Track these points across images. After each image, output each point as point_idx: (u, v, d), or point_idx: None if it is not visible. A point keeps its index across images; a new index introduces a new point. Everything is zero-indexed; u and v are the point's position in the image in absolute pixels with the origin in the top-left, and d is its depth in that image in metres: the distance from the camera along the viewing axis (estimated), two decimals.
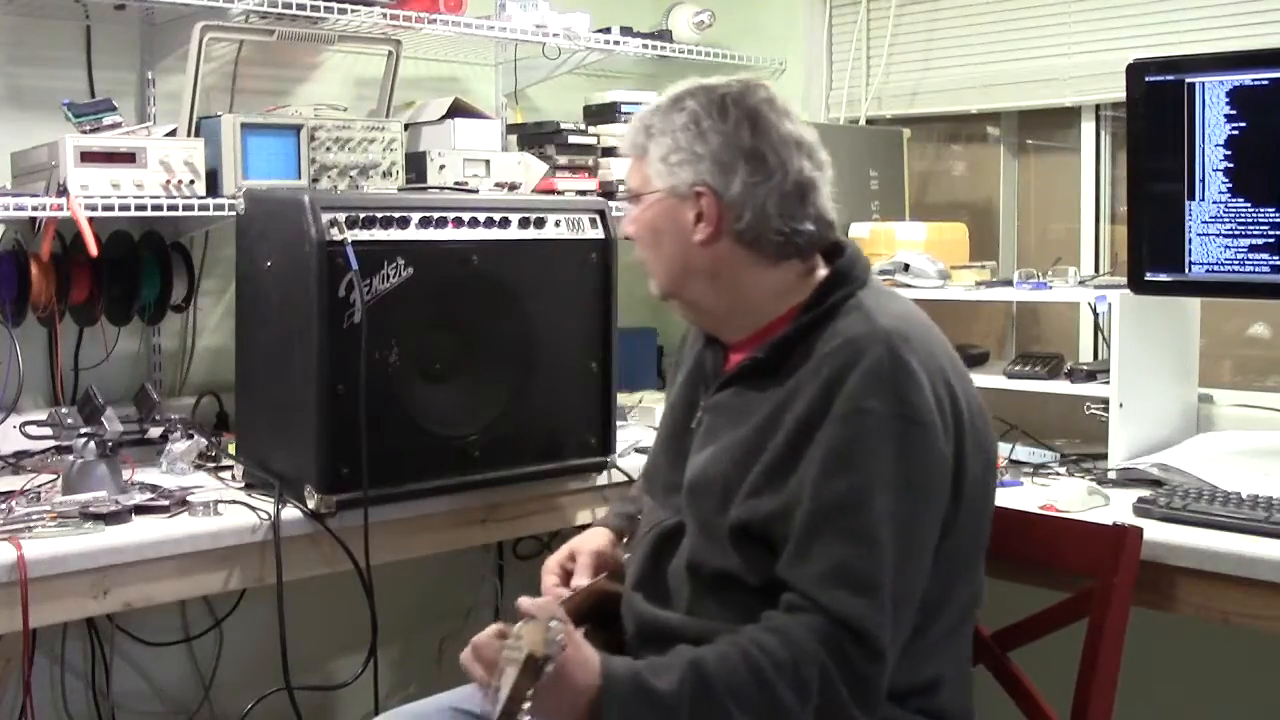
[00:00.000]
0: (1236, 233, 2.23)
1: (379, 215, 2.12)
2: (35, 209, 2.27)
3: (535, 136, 3.06)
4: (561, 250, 2.34)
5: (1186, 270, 2.30)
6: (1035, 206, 3.24)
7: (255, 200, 2.25)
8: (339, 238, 2.06)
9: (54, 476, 2.21)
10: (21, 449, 2.40)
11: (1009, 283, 2.73)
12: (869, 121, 3.31)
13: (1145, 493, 2.10)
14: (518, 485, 2.33)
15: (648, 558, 1.72)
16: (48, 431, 2.31)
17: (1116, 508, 2.09)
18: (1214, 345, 2.80)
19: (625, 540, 1.89)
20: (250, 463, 2.24)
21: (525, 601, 1.42)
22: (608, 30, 3.10)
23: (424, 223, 2.17)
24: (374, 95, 2.91)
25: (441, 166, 2.75)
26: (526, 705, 1.31)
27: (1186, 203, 2.27)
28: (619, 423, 2.54)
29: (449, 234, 2.20)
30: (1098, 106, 2.97)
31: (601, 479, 2.45)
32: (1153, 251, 2.33)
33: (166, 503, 2.06)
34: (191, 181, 2.40)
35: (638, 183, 1.71)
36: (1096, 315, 2.68)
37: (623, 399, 2.83)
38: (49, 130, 2.43)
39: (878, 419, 1.51)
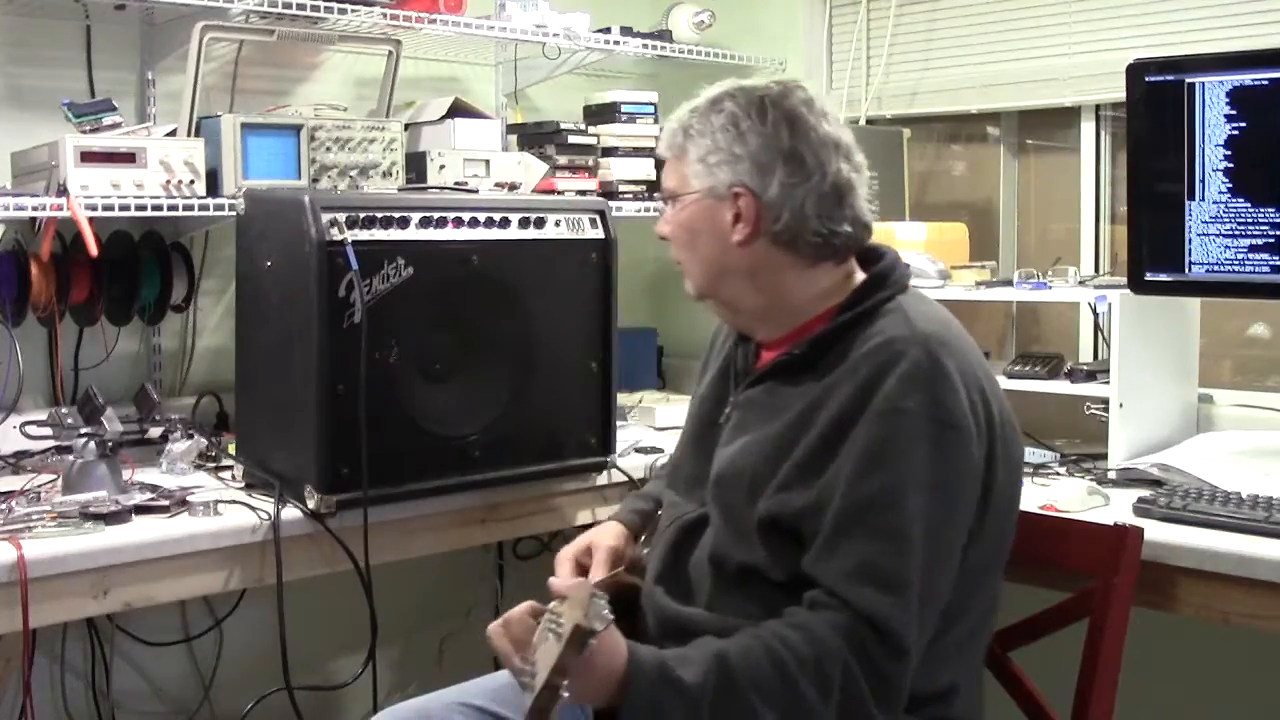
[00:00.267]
0: (1236, 233, 2.23)
1: (379, 215, 2.12)
2: (35, 209, 2.27)
3: (535, 136, 3.06)
4: (561, 250, 2.34)
5: (1186, 270, 2.30)
6: (1035, 206, 3.24)
7: (255, 200, 2.25)
8: (339, 238, 2.06)
9: (54, 476, 2.21)
10: (21, 449, 2.40)
11: (1009, 283, 2.73)
12: (869, 121, 3.31)
13: (1145, 493, 2.10)
14: (518, 485, 2.33)
15: (669, 551, 1.72)
16: (48, 431, 2.31)
17: (1116, 508, 2.09)
18: (1214, 345, 2.80)
19: (644, 538, 1.89)
20: (250, 463, 2.24)
21: (557, 582, 1.42)
22: (608, 30, 3.10)
23: (424, 223, 2.17)
24: (374, 95, 2.91)
25: (441, 166, 2.75)
26: (565, 681, 1.31)
27: (1186, 203, 2.27)
28: (619, 423, 2.54)
29: (449, 234, 2.20)
30: (1098, 106, 2.97)
31: (601, 479, 2.45)
32: (1153, 251, 2.33)
33: (166, 503, 2.06)
34: (191, 181, 2.40)
35: (675, 183, 1.72)
36: (1096, 315, 2.68)
37: (623, 399, 2.83)
38: (49, 130, 2.43)
39: (914, 420, 1.52)
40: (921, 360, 1.55)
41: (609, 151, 3.09)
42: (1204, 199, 2.26)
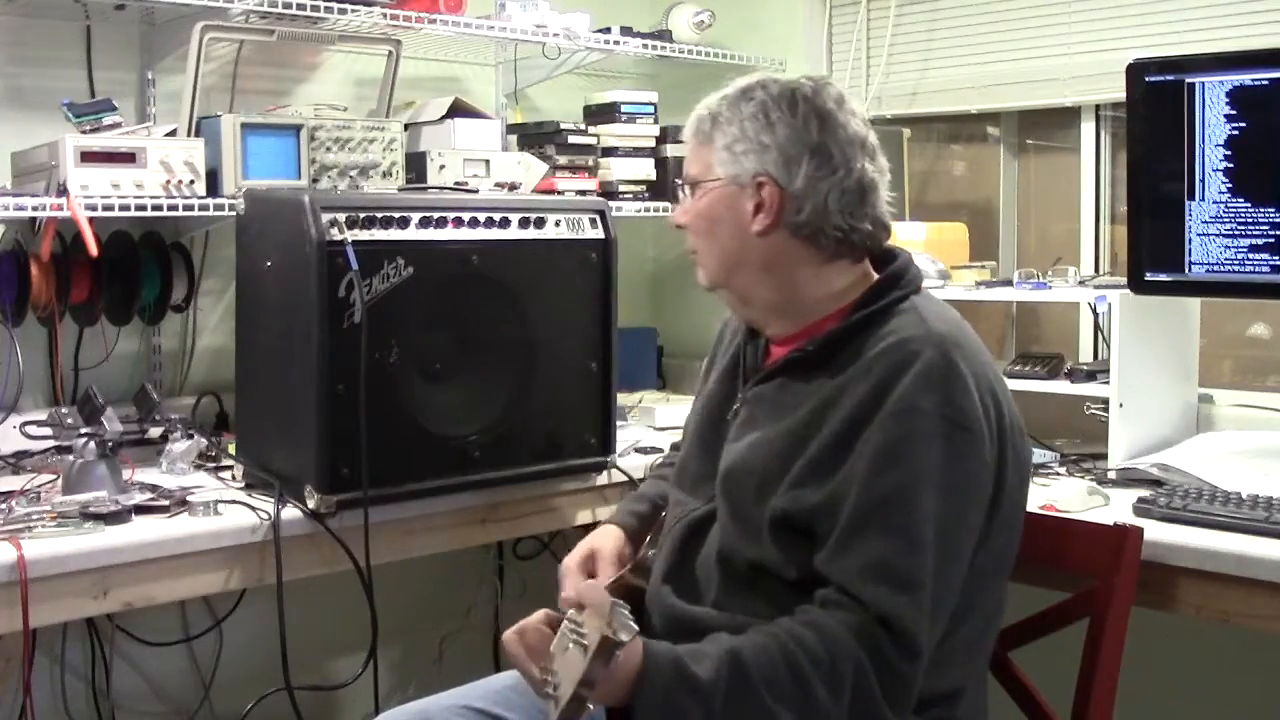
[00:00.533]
0: (1236, 233, 2.23)
1: (379, 215, 2.12)
2: (35, 209, 2.27)
3: (535, 136, 3.06)
4: (561, 250, 2.34)
5: (1186, 270, 2.30)
6: (1035, 206, 3.24)
7: (255, 200, 2.25)
8: (339, 238, 2.06)
9: (54, 476, 2.21)
10: (21, 449, 2.40)
11: (1009, 283, 2.73)
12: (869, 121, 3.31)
13: (1145, 493, 2.10)
14: (518, 485, 2.33)
15: (676, 550, 1.72)
16: (48, 431, 2.31)
17: (1116, 508, 2.09)
18: (1214, 345, 2.80)
19: (649, 538, 1.89)
20: (250, 463, 2.24)
21: (573, 595, 1.43)
22: (607, 30, 3.10)
23: (424, 223, 2.17)
24: (374, 95, 2.91)
25: (441, 166, 2.75)
26: (592, 693, 1.32)
27: (1186, 203, 2.27)
28: (619, 423, 2.54)
29: (449, 234, 2.20)
30: (1098, 106, 2.97)
31: (601, 479, 2.45)
32: (1153, 251, 2.33)
33: (166, 503, 2.06)
34: (191, 181, 2.40)
35: (699, 170, 1.71)
36: (1096, 315, 2.68)
37: (623, 399, 2.82)
38: (49, 130, 2.42)
39: (928, 420, 1.52)
40: (936, 361, 1.55)
41: (609, 151, 3.09)
42: (1204, 199, 2.26)
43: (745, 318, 1.79)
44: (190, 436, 2.38)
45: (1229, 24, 2.66)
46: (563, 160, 3.01)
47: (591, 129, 3.08)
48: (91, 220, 2.26)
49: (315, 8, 2.55)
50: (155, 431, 2.40)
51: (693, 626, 1.61)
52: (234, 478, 2.28)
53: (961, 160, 3.43)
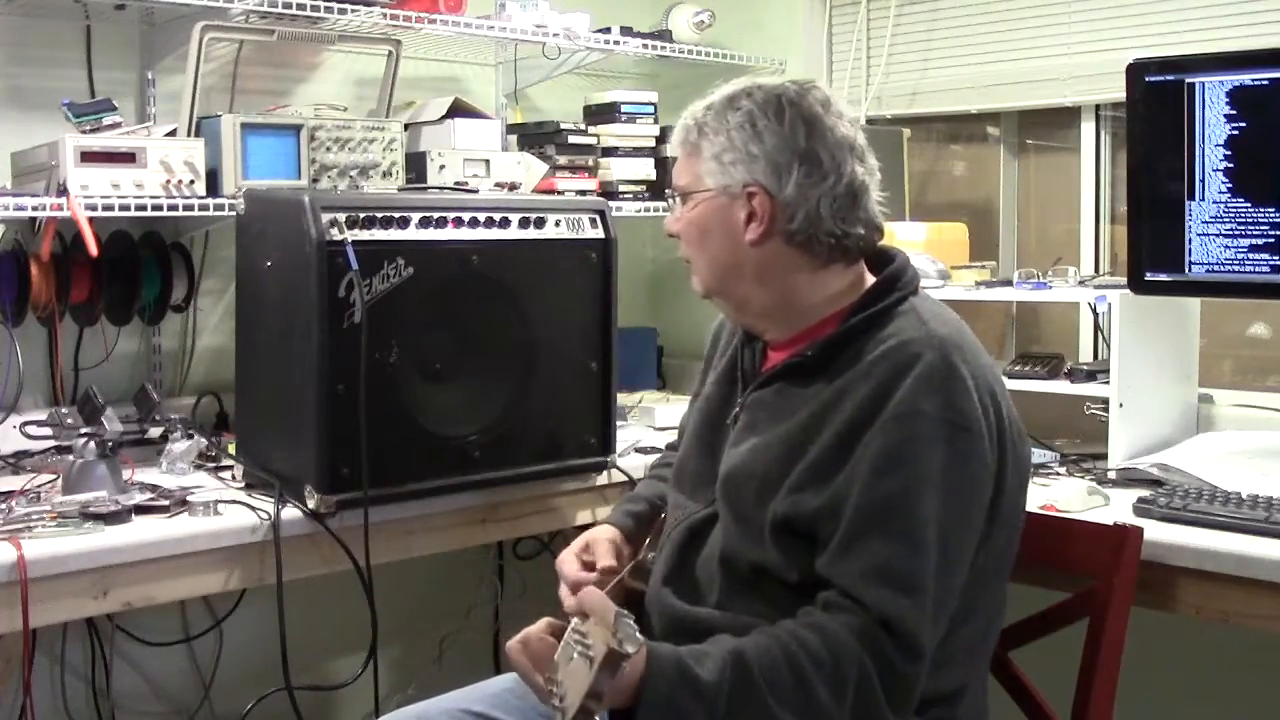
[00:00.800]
0: (1236, 233, 2.23)
1: (379, 215, 2.12)
2: (35, 209, 2.27)
3: (535, 136, 3.06)
4: (561, 250, 2.34)
5: (1186, 270, 2.30)
6: (1035, 206, 3.24)
7: (255, 200, 2.25)
8: (339, 238, 2.06)
9: (54, 476, 2.21)
10: (21, 449, 2.40)
11: (1009, 283, 2.73)
12: (869, 121, 3.31)
13: (1145, 493, 2.10)
14: (518, 485, 2.33)
15: (676, 552, 1.72)
16: (48, 431, 2.31)
17: (1116, 508, 2.09)
18: (1214, 345, 2.80)
19: (649, 540, 1.88)
20: (250, 463, 2.24)
21: (573, 602, 1.42)
22: (607, 30, 3.10)
23: (424, 223, 2.17)
24: (374, 95, 2.91)
25: (441, 166, 2.75)
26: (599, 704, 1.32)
27: (1186, 203, 2.27)
28: (619, 423, 2.54)
29: (449, 234, 2.20)
30: (1098, 106, 2.97)
31: (601, 479, 2.45)
32: (1153, 251, 2.33)
33: (166, 503, 2.06)
34: (191, 181, 2.40)
35: (688, 181, 1.71)
36: (1096, 315, 2.68)
37: (623, 399, 2.83)
38: (49, 130, 2.42)
39: (929, 422, 1.52)
40: (936, 363, 1.55)
41: (609, 151, 3.09)
42: (1204, 199, 2.26)
43: (741, 324, 1.79)
44: (190, 436, 2.38)
45: (1229, 24, 2.66)
46: (563, 160, 3.01)
47: (591, 129, 3.08)
48: (91, 220, 2.26)
49: (315, 8, 2.55)
50: (155, 431, 2.40)
51: (694, 628, 1.61)
52: (234, 478, 2.28)
53: (961, 160, 3.43)
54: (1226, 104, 2.21)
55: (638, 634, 1.33)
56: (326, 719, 2.99)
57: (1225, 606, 1.89)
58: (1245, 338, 2.87)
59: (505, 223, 2.27)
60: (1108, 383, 2.39)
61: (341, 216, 2.07)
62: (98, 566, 1.90)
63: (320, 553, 2.11)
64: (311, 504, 2.07)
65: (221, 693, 2.89)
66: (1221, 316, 2.80)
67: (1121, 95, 2.38)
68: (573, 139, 3.02)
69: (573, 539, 1.89)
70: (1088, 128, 3.00)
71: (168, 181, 2.37)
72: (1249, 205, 2.21)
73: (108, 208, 2.29)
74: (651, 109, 3.17)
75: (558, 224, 2.34)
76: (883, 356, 1.57)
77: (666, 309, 3.54)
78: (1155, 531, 1.91)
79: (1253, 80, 2.19)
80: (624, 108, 3.12)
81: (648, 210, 3.08)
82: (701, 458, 1.77)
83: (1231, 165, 2.22)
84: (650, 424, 2.86)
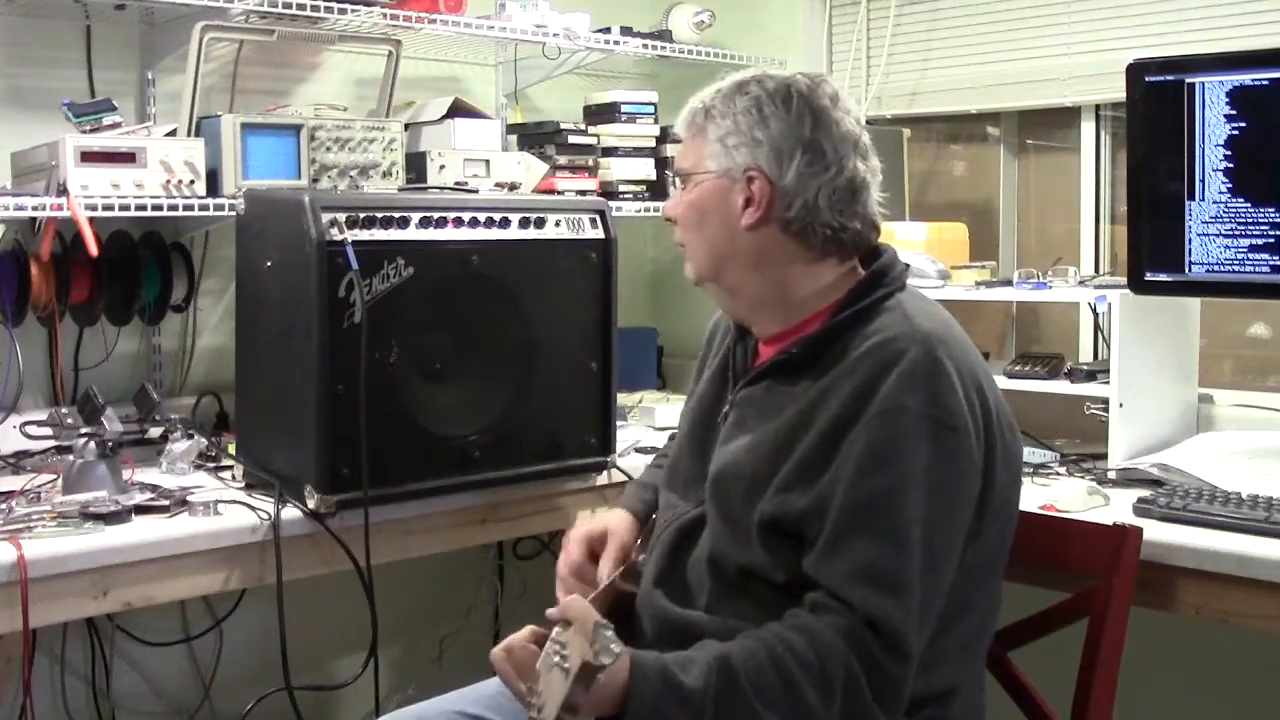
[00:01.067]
0: (1236, 233, 2.23)
1: (379, 215, 2.12)
2: (35, 209, 2.27)
3: (535, 136, 3.06)
4: (561, 250, 2.34)
5: (1186, 270, 2.30)
6: (1035, 206, 3.24)
7: (255, 200, 2.25)
8: (339, 238, 2.06)
9: (54, 476, 2.21)
10: (21, 449, 2.40)
11: (1009, 283, 2.73)
12: (869, 121, 3.30)
13: (1145, 493, 2.10)
14: (518, 485, 2.33)
15: (667, 553, 1.71)
16: (48, 431, 2.31)
17: (1116, 508, 2.09)
18: (1214, 345, 2.80)
19: (639, 542, 1.88)
20: (250, 463, 2.24)
21: (553, 610, 1.42)
22: (608, 30, 3.10)
23: (424, 223, 2.17)
24: (374, 95, 2.91)
25: (441, 166, 2.75)
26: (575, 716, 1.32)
27: (1186, 203, 2.27)
28: (619, 423, 2.54)
29: (449, 234, 2.20)
30: (1098, 106, 2.97)
31: (601, 479, 2.45)
32: (1153, 251, 2.33)
33: (166, 503, 2.06)
34: (191, 181, 2.40)
35: (690, 163, 1.71)
36: (1096, 315, 2.68)
37: (623, 399, 2.83)
38: (49, 130, 2.42)
39: (913, 419, 1.51)
40: (921, 359, 1.54)
41: (609, 151, 3.09)
42: (1204, 199, 2.26)
43: (732, 314, 1.78)
44: (190, 436, 2.38)
45: (1229, 24, 2.66)
46: (563, 160, 3.01)
47: (591, 129, 3.08)
48: (91, 220, 2.26)
49: (315, 8, 2.55)
50: (155, 431, 2.40)
51: (685, 630, 1.61)
52: (234, 478, 2.28)
53: (961, 160, 3.43)
54: (1226, 104, 2.21)
55: (614, 646, 1.32)
56: (326, 719, 2.99)
57: (1225, 606, 1.89)
58: (1245, 338, 2.87)
59: (505, 223, 2.27)
60: (1108, 383, 2.39)
61: (341, 216, 2.07)
62: (98, 566, 1.90)
63: (320, 553, 2.11)
64: (311, 504, 2.07)
65: (221, 693, 2.89)
66: (1221, 316, 2.80)
67: (1121, 95, 2.38)
68: (573, 139, 3.02)
69: (603, 517, 1.90)
70: (1088, 128, 3.00)
71: (168, 181, 2.37)
72: (1249, 205, 2.21)
73: (108, 208, 2.29)
74: (651, 109, 3.17)
75: (558, 224, 2.34)
76: (867, 353, 1.57)
77: (666, 309, 3.54)
78: (1155, 531, 1.91)
79: (1253, 80, 2.19)
80: (624, 108, 3.12)
81: (648, 210, 3.08)
82: (693, 456, 1.76)
83: (1231, 165, 2.22)
84: (650, 424, 2.86)
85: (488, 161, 2.82)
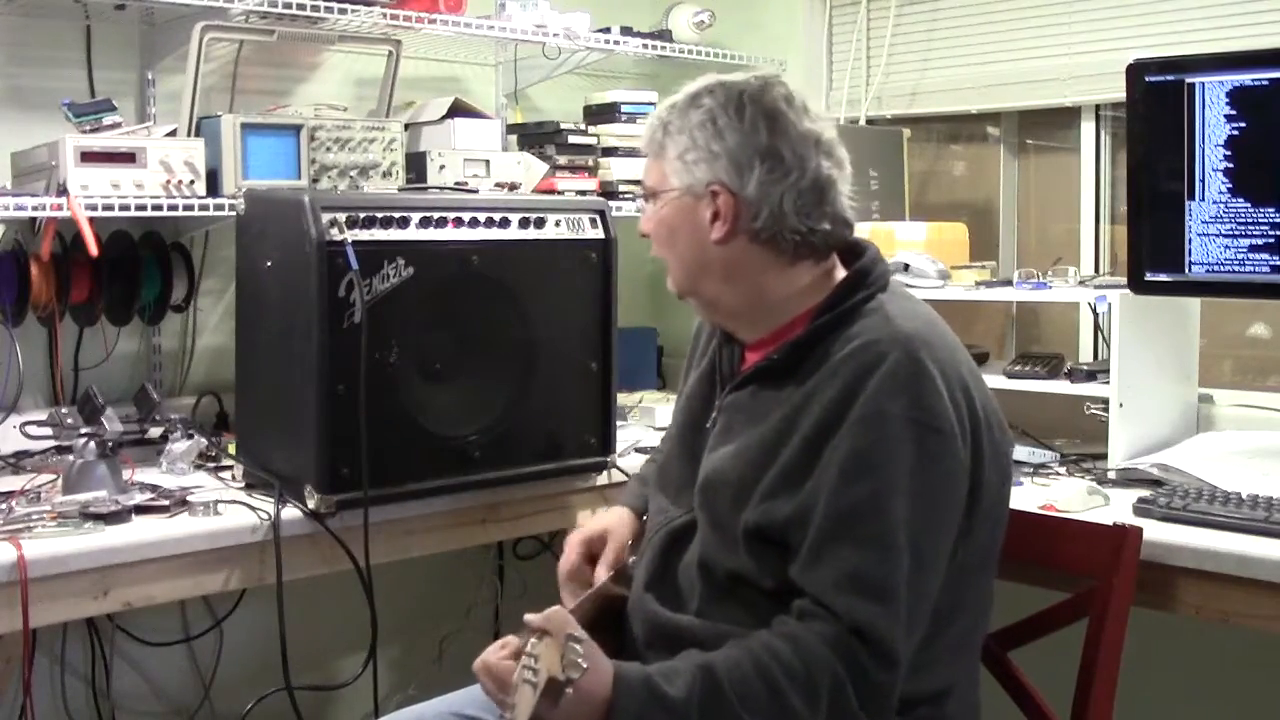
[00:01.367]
0: (1236, 233, 2.23)
1: (379, 215, 2.12)
2: (35, 209, 2.27)
3: (535, 136, 3.06)
4: (561, 250, 2.34)
5: (1186, 270, 2.30)
6: (1035, 206, 3.24)
7: (255, 200, 2.25)
8: (339, 238, 2.06)
9: (54, 476, 2.21)
10: (21, 449, 2.40)
11: (1009, 283, 2.73)
12: (869, 121, 3.31)
13: (1145, 493, 2.10)
14: (518, 485, 2.33)
15: (658, 558, 1.71)
16: (48, 431, 2.31)
17: (1116, 508, 2.09)
18: (1214, 345, 2.80)
19: (630, 543, 1.88)
20: (250, 463, 2.24)
21: (533, 616, 1.40)
22: (608, 30, 3.10)
23: (424, 223, 2.17)
24: (374, 95, 2.91)
25: (441, 166, 2.75)
26: None
27: (1186, 203, 2.27)
28: (619, 423, 2.54)
29: (449, 234, 2.20)
30: (1098, 106, 2.97)
31: (601, 479, 2.45)
32: (1153, 251, 2.33)
33: (166, 503, 2.06)
34: (191, 181, 2.40)
35: (655, 181, 1.71)
36: (1096, 315, 2.68)
37: (623, 399, 2.83)
38: (49, 130, 2.43)
39: (896, 424, 1.50)
40: (902, 361, 1.53)
41: (609, 151, 3.09)
42: (1204, 199, 2.26)
43: (716, 323, 1.78)
44: (190, 436, 2.38)
45: (1229, 24, 2.66)
46: (563, 160, 3.01)
47: (591, 129, 3.08)
48: (91, 220, 2.26)
49: (315, 8, 2.55)
50: (155, 431, 2.40)
51: (675, 635, 1.61)
52: (234, 478, 2.28)
53: (961, 160, 3.43)
54: (1226, 104, 2.21)
55: (582, 661, 1.32)
56: (326, 719, 2.99)
57: (1225, 606, 1.89)
58: (1245, 338, 2.87)
59: (505, 223, 2.27)
60: (1108, 383, 2.39)
61: (341, 216, 2.07)
62: (98, 566, 1.90)
63: (320, 553, 2.11)
64: (311, 504, 2.07)
65: (221, 693, 2.89)
66: (1221, 316, 2.80)
67: (1121, 95, 2.38)
68: (573, 139, 3.02)
69: (602, 518, 1.90)
70: (1088, 128, 3.00)
71: (168, 181, 2.37)
72: (1249, 205, 2.21)
73: (108, 208, 2.29)
74: (651, 109, 3.15)
75: (558, 224, 2.34)
76: (849, 357, 1.55)
77: (666, 309, 3.54)
78: (1155, 531, 1.91)
79: (1253, 80, 2.19)
80: (624, 108, 3.13)
81: None
82: (683, 461, 1.76)
83: (1231, 165, 2.22)
84: (650, 424, 2.86)
85: (488, 161, 2.82)
